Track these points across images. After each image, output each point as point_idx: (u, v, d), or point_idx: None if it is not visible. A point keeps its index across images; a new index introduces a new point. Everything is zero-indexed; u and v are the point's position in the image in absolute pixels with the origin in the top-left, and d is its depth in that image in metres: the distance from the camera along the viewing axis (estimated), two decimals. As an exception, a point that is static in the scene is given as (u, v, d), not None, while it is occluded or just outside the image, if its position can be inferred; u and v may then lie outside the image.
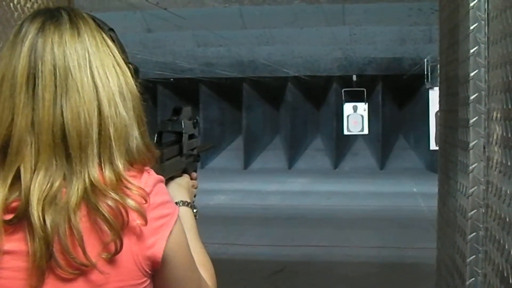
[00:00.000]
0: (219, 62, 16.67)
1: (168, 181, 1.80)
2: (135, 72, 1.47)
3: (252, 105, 20.99)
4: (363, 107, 18.05)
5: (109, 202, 1.31)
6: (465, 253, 2.85)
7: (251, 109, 20.91)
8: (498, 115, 2.45)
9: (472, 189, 2.78)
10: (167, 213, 1.40)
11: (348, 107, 18.16)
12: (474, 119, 2.76)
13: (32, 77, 1.35)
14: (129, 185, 1.35)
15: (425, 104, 14.77)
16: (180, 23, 10.72)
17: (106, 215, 1.31)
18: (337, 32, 13.12)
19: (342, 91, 18.51)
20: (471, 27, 2.74)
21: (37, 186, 1.31)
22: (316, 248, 9.49)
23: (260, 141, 21.33)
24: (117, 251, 1.32)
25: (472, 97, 2.76)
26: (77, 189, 1.32)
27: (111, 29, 1.47)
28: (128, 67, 1.45)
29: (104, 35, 1.43)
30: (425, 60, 14.28)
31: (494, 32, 2.56)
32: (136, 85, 1.44)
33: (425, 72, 14.42)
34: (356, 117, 18.08)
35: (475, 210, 2.77)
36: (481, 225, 2.74)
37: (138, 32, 12.65)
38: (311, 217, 12.25)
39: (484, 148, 2.73)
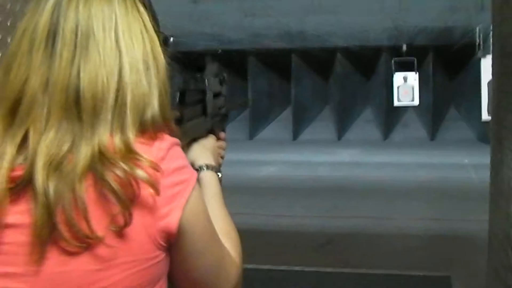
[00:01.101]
0: (267, 33, 16.57)
1: (191, 142, 1.71)
2: (165, 42, 1.39)
3: (301, 76, 20.83)
4: (413, 77, 17.75)
5: (118, 172, 1.22)
6: (519, 225, 2.74)
7: (300, 80, 20.75)
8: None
9: (528, 158, 2.66)
10: (183, 179, 1.30)
11: (398, 77, 17.87)
12: (530, 83, 2.63)
13: (52, 34, 1.27)
14: (138, 156, 1.25)
15: (477, 74, 14.54)
16: (227, -7, 10.66)
17: (113, 185, 1.21)
18: (386, 0, 12.94)
19: (392, 61, 18.25)
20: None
21: (45, 149, 1.22)
22: (365, 220, 9.39)
23: (309, 112, 21.20)
24: (126, 224, 1.23)
25: (528, 60, 2.63)
26: (84, 156, 1.23)
27: None
28: (158, 35, 1.37)
29: None
30: (477, 28, 14.01)
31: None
32: (164, 56, 1.36)
33: (477, 41, 14.16)
34: (406, 87, 17.81)
35: (531, 180, 2.66)
36: (537, 196, 2.63)
37: (185, 3, 12.64)
38: (361, 189, 12.13)
39: (541, 114, 2.60)
